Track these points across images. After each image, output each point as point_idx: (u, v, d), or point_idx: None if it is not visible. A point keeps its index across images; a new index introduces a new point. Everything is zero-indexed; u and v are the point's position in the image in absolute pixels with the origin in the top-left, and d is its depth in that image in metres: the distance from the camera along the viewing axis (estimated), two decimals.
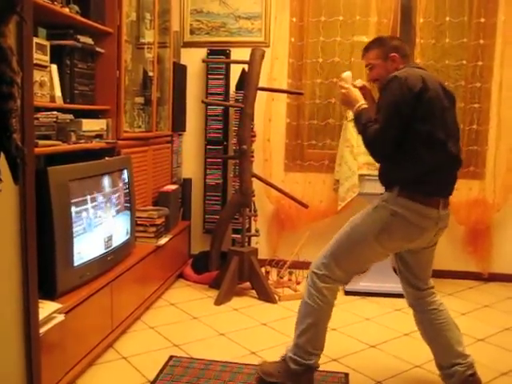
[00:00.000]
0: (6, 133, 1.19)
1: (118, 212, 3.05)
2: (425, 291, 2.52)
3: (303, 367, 2.42)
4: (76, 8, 2.84)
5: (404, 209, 2.26)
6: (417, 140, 2.25)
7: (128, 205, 3.20)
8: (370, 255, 2.40)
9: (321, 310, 2.40)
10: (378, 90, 2.50)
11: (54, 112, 2.63)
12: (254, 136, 4.07)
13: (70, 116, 2.80)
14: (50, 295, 2.35)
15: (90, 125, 2.96)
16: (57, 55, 2.75)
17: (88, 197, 2.69)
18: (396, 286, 3.83)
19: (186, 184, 4.50)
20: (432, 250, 2.52)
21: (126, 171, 3.17)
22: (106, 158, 3.06)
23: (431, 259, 2.55)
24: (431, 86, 2.26)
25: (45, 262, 2.27)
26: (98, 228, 2.79)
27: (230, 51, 4.38)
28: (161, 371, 2.63)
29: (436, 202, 2.30)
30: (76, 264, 2.53)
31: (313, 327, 2.41)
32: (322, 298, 2.38)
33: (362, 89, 2.52)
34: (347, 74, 2.54)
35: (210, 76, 4.40)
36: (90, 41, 3.02)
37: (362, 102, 2.40)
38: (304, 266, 3.45)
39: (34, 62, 2.44)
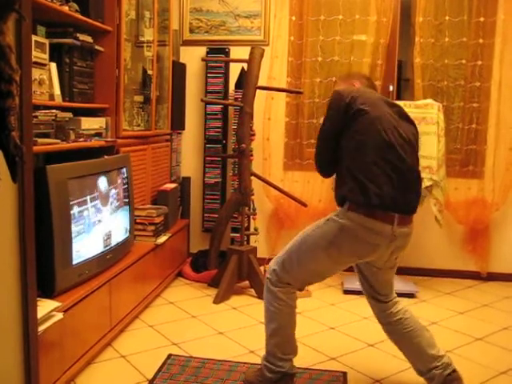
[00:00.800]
0: (5, 131, 1.19)
1: (116, 210, 3.05)
2: (387, 303, 2.51)
3: (278, 374, 2.40)
4: (75, 6, 2.83)
5: (354, 223, 2.19)
6: (350, 154, 2.25)
7: (127, 203, 3.20)
8: (320, 267, 2.34)
9: (281, 314, 2.37)
10: None
11: (53, 110, 2.63)
12: (253, 135, 4.06)
13: (69, 114, 2.80)
14: (49, 293, 2.35)
15: (89, 123, 2.96)
16: (56, 53, 2.76)
17: (87, 195, 2.69)
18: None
19: (185, 182, 4.50)
20: (391, 272, 2.47)
21: (125, 170, 3.17)
22: (105, 157, 3.06)
23: (390, 279, 2.51)
24: (367, 102, 2.25)
25: (43, 261, 2.28)
26: (96, 226, 2.79)
27: (229, 50, 4.38)
28: (159, 370, 2.63)
29: (390, 217, 2.19)
30: (75, 262, 2.53)
31: (278, 332, 2.39)
32: (279, 301, 2.36)
33: None
34: None
35: (209, 74, 4.40)
36: (89, 39, 3.02)
37: None
38: None
39: (33, 60, 2.44)
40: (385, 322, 2.54)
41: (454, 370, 2.43)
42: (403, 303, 2.56)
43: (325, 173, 2.46)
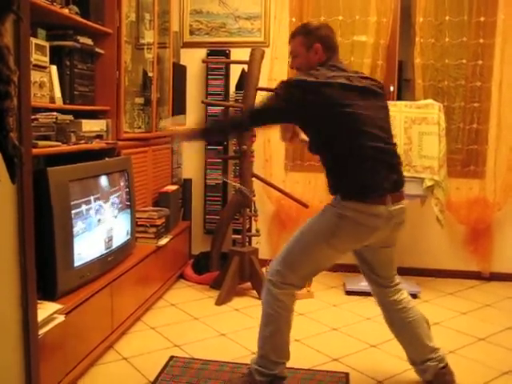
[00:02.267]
0: (3, 132, 1.19)
1: (118, 212, 3.05)
2: (390, 289, 2.52)
3: (269, 378, 2.39)
4: (75, 9, 2.84)
5: (350, 210, 2.23)
6: (340, 143, 2.26)
7: (128, 205, 3.20)
8: (323, 258, 2.37)
9: (280, 317, 2.37)
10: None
11: (54, 113, 2.63)
12: (254, 136, 4.06)
13: (70, 117, 2.80)
14: (51, 296, 2.35)
15: (89, 125, 2.96)
16: (56, 56, 2.76)
17: (88, 197, 2.69)
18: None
19: (186, 184, 4.50)
20: (392, 250, 2.48)
21: (126, 172, 3.17)
22: (106, 159, 3.06)
23: (392, 258, 2.51)
24: (335, 93, 2.21)
25: (45, 263, 2.28)
26: (98, 228, 2.79)
27: (229, 51, 4.38)
28: (161, 372, 2.63)
29: (381, 198, 2.24)
30: (76, 265, 2.53)
31: (275, 335, 2.39)
32: (280, 304, 2.35)
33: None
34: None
35: (209, 76, 4.40)
36: (89, 41, 3.02)
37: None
38: None
39: (34, 62, 2.45)
40: (388, 309, 2.56)
41: (447, 365, 2.48)
42: (406, 293, 2.56)
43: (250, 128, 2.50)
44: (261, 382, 2.40)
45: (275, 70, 4.29)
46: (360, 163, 2.23)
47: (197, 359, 2.79)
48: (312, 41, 2.39)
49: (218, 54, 4.37)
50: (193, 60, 4.45)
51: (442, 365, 2.47)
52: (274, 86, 4.16)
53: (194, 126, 2.51)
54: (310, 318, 3.42)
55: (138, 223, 3.44)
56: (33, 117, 2.35)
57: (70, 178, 2.52)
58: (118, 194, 3.05)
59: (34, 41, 2.45)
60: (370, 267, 2.52)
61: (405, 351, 2.58)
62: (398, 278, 2.56)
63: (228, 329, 3.23)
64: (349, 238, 2.31)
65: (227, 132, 2.69)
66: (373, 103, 2.32)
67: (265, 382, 2.39)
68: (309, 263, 2.36)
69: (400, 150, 3.59)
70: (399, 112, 3.67)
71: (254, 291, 3.85)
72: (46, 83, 2.58)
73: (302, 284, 2.43)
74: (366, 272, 2.56)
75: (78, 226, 2.57)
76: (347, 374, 2.67)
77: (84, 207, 2.64)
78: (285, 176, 4.42)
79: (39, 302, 2.10)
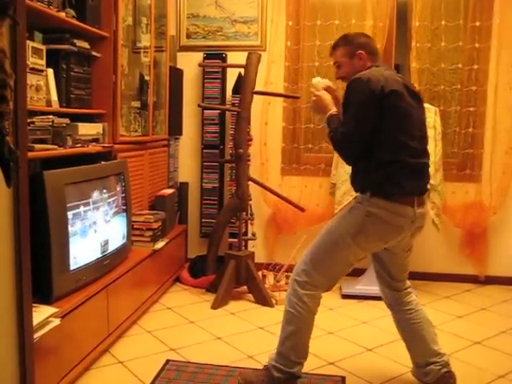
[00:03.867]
0: None
1: (114, 216, 3.04)
2: (401, 292, 2.56)
3: (286, 375, 2.41)
4: (72, 12, 2.84)
5: (378, 208, 2.27)
6: (380, 142, 2.26)
7: (124, 209, 3.19)
8: (349, 257, 2.38)
9: (302, 318, 2.38)
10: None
11: (50, 116, 2.63)
12: (251, 140, 4.07)
13: (66, 120, 2.80)
14: (46, 299, 2.34)
15: (86, 129, 2.96)
16: (53, 59, 2.75)
17: (84, 201, 2.68)
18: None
19: (182, 188, 4.50)
20: (408, 255, 2.53)
21: (122, 175, 3.17)
22: (103, 162, 3.06)
23: (407, 263, 2.57)
24: (394, 87, 2.26)
25: (41, 267, 2.27)
26: (94, 232, 2.78)
27: (226, 55, 4.39)
28: (157, 375, 2.62)
29: (410, 200, 2.30)
30: (72, 268, 2.53)
31: (295, 335, 2.40)
32: (303, 305, 2.37)
33: (327, 89, 2.51)
34: (317, 80, 2.52)
35: (206, 80, 4.40)
36: (86, 45, 3.02)
37: (333, 109, 2.41)
38: None
39: (31, 66, 2.45)
40: (396, 310, 2.58)
41: (451, 371, 2.48)
42: (415, 296, 2.59)
43: (351, 156, 2.38)
44: (279, 378, 2.42)
45: (272, 73, 4.30)
46: (400, 164, 2.27)
47: (193, 363, 2.78)
48: (354, 48, 2.45)
49: (215, 58, 4.37)
50: (189, 64, 4.46)
51: (445, 370, 2.47)
52: (270, 89, 4.20)
53: (334, 110, 2.40)
54: None
55: (134, 227, 3.44)
56: (29, 120, 2.35)
57: (66, 182, 2.51)
58: (114, 197, 3.05)
59: (30, 44, 2.45)
60: (386, 270, 2.55)
61: (409, 353, 2.60)
62: (408, 282, 2.60)
63: (224, 332, 3.23)
64: (375, 236, 2.33)
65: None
66: (417, 107, 2.38)
67: (282, 378, 2.42)
68: (335, 262, 2.37)
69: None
70: None
71: (250, 295, 3.85)
72: (43, 86, 2.58)
73: (328, 286, 2.43)
74: (381, 274, 2.58)
75: (74, 230, 2.57)
76: (343, 378, 2.67)
77: (80, 210, 2.63)
78: (281, 180, 4.43)
79: (35, 305, 2.10)
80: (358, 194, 2.41)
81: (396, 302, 2.57)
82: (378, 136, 2.26)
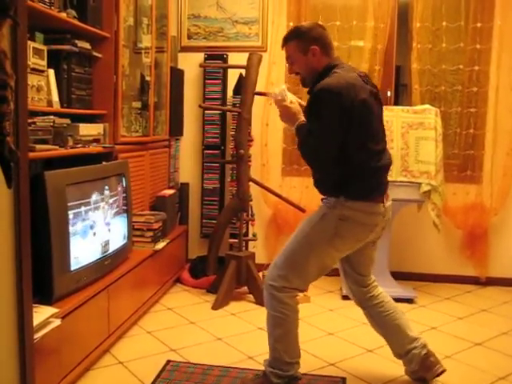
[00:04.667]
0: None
1: (115, 216, 3.04)
2: (368, 287, 2.60)
3: (286, 379, 2.42)
4: (73, 13, 2.84)
5: (353, 211, 2.30)
6: (355, 144, 2.28)
7: (125, 209, 3.20)
8: (326, 260, 2.41)
9: (288, 319, 2.39)
10: (300, 81, 2.51)
11: (51, 116, 2.63)
12: (252, 140, 4.07)
13: (67, 120, 2.80)
14: (47, 300, 2.34)
15: (87, 129, 2.96)
16: (54, 60, 2.76)
17: (85, 201, 2.68)
18: (394, 290, 3.84)
19: (183, 188, 4.50)
20: (374, 248, 2.57)
21: (123, 176, 3.17)
22: (103, 163, 3.06)
23: (373, 256, 2.61)
24: (362, 96, 2.25)
25: (41, 267, 2.27)
26: (94, 232, 2.78)
27: (227, 56, 4.39)
28: (158, 376, 2.62)
29: (380, 197, 2.37)
30: (73, 268, 2.53)
31: (285, 337, 2.41)
32: (286, 306, 2.38)
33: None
34: (282, 89, 2.43)
35: (207, 81, 4.40)
36: (87, 45, 3.02)
37: (302, 118, 2.37)
38: None
39: (32, 66, 2.45)
40: (367, 306, 2.62)
41: (429, 350, 2.55)
42: (381, 288, 2.65)
43: (323, 165, 2.36)
44: (278, 383, 2.42)
45: (273, 74, 4.30)
46: (371, 165, 2.32)
47: (193, 363, 2.78)
48: (307, 43, 2.36)
49: (216, 59, 4.38)
50: (190, 64, 4.46)
51: (425, 351, 2.54)
52: (271, 90, 4.20)
53: (302, 118, 2.35)
54: (307, 323, 3.42)
55: (135, 227, 3.44)
56: (30, 120, 2.35)
57: (67, 182, 2.51)
58: (114, 197, 3.05)
59: (31, 44, 2.46)
60: (352, 266, 2.58)
61: (389, 345, 2.65)
62: (373, 277, 2.64)
63: (224, 333, 3.22)
64: (351, 238, 2.37)
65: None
66: (377, 106, 2.40)
67: (282, 383, 2.42)
68: (313, 266, 2.38)
69: (397, 155, 3.63)
70: (396, 117, 3.68)
71: (251, 296, 3.85)
72: (44, 87, 2.59)
73: (305, 287, 2.47)
74: (348, 272, 2.61)
75: (75, 230, 2.57)
76: (344, 379, 2.67)
77: (81, 211, 2.64)
78: (282, 180, 4.43)
79: (35, 305, 2.10)
80: (324, 199, 2.42)
81: (364, 297, 2.61)
82: (348, 143, 2.27)
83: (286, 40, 2.43)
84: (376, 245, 2.57)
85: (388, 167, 2.45)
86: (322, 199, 2.46)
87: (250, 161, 3.95)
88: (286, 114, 2.41)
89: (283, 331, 2.40)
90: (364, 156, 2.30)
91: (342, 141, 2.25)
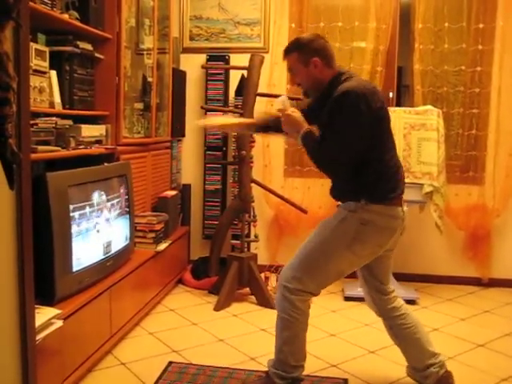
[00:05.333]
0: (1, 138, 1.19)
1: (117, 218, 3.05)
2: (389, 295, 2.54)
3: (289, 380, 2.41)
4: (75, 14, 2.85)
5: (374, 214, 2.28)
6: (376, 149, 2.28)
7: (127, 210, 3.20)
8: (344, 265, 2.37)
9: (297, 322, 2.37)
10: (302, 92, 2.51)
11: (54, 118, 2.64)
12: (254, 142, 4.07)
13: (70, 122, 2.80)
14: (49, 301, 2.34)
15: (89, 130, 2.97)
16: (56, 61, 2.76)
17: (87, 203, 2.69)
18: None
19: (185, 189, 4.50)
20: (392, 254, 2.53)
21: (125, 177, 3.17)
22: (105, 164, 3.06)
23: (391, 263, 2.57)
24: (381, 99, 2.30)
25: (43, 268, 2.27)
26: (97, 234, 2.79)
27: (229, 57, 4.39)
28: (160, 377, 2.62)
29: (399, 200, 2.36)
30: (75, 270, 2.53)
31: (292, 340, 2.39)
32: (297, 310, 2.35)
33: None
34: (283, 99, 2.42)
35: (209, 82, 4.41)
36: (89, 47, 3.03)
37: (306, 125, 2.35)
38: None
39: (34, 68, 2.45)
40: (387, 317, 2.57)
41: (448, 370, 2.50)
42: (402, 299, 2.60)
43: (339, 172, 2.37)
44: None
45: (275, 75, 4.30)
46: (389, 167, 2.33)
47: (195, 364, 2.78)
48: (308, 55, 2.35)
49: (218, 60, 4.38)
50: (192, 65, 4.46)
51: (443, 370, 2.48)
52: (273, 91, 4.20)
53: (307, 126, 2.34)
54: (309, 324, 3.41)
55: (137, 228, 3.44)
56: (32, 122, 2.35)
57: (69, 183, 2.52)
58: (117, 199, 3.05)
59: (34, 46, 2.46)
60: (373, 273, 2.52)
61: (406, 359, 2.58)
62: (392, 287, 2.59)
63: (226, 334, 3.22)
64: (371, 243, 2.32)
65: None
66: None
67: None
68: (330, 270, 2.36)
69: (399, 156, 3.62)
70: (398, 118, 3.68)
71: (253, 297, 3.85)
72: (46, 88, 2.59)
73: (319, 291, 2.41)
74: (368, 279, 2.55)
75: (77, 231, 2.57)
76: (346, 380, 2.67)
77: (83, 212, 2.64)
78: (284, 182, 4.43)
79: (37, 306, 2.10)
80: (341, 203, 2.41)
81: (386, 308, 2.54)
82: (373, 146, 2.26)
83: (287, 52, 2.42)
84: (393, 252, 2.52)
85: (402, 168, 2.44)
86: (337, 205, 2.44)
87: (251, 162, 3.95)
88: (289, 122, 2.39)
89: (291, 334, 2.38)
90: (385, 158, 2.30)
91: (368, 143, 2.23)
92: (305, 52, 2.35)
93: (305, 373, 2.58)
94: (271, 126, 2.65)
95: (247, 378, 2.59)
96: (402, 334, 2.53)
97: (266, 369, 2.52)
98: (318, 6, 4.28)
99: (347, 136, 2.22)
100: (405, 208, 2.40)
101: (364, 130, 2.21)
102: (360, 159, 2.26)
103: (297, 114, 2.38)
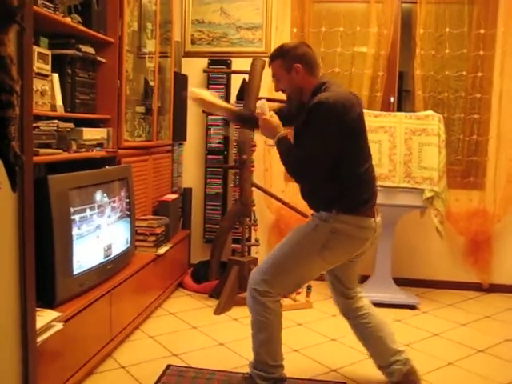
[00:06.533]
0: (5, 141, 1.20)
1: (117, 221, 3.05)
2: (353, 299, 2.61)
3: (271, 381, 2.44)
4: (78, 18, 2.85)
5: (345, 224, 2.32)
6: (348, 160, 2.30)
7: (128, 214, 3.20)
8: (314, 269, 2.45)
9: (272, 323, 2.41)
10: (286, 99, 2.54)
11: (55, 121, 2.64)
12: (255, 146, 4.07)
13: (71, 125, 2.81)
14: (50, 304, 2.34)
15: (90, 134, 2.97)
16: (58, 64, 2.77)
17: (88, 206, 2.69)
18: (395, 296, 3.84)
19: (186, 193, 4.51)
20: (360, 260, 2.57)
21: (126, 180, 3.18)
22: (107, 167, 3.06)
23: (358, 270, 2.62)
24: (358, 110, 2.30)
25: (44, 271, 2.28)
26: (97, 237, 2.79)
27: (230, 61, 4.40)
28: (158, 380, 2.62)
29: (372, 211, 2.38)
30: (75, 272, 2.53)
31: (268, 341, 2.43)
32: (269, 310, 2.39)
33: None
34: (262, 103, 2.45)
35: (210, 86, 4.42)
36: (91, 50, 3.03)
37: (282, 131, 2.38)
38: None
39: (36, 71, 2.46)
40: (351, 317, 2.64)
41: (412, 367, 2.55)
42: (367, 300, 2.66)
43: (311, 179, 2.38)
44: None
45: None
46: (362, 179, 2.36)
47: (195, 368, 2.78)
48: (291, 62, 2.37)
49: (220, 64, 4.40)
50: (194, 69, 4.47)
51: (407, 367, 2.53)
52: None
53: (283, 132, 2.38)
54: (309, 329, 3.42)
55: (138, 232, 3.44)
56: (34, 125, 2.35)
57: (71, 186, 2.52)
58: (117, 202, 3.05)
59: (36, 49, 2.47)
60: (340, 280, 2.60)
61: (371, 356, 2.65)
62: (358, 288, 2.65)
63: (226, 338, 3.22)
64: (341, 251, 2.39)
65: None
66: (363, 119, 2.41)
67: None
68: (299, 274, 2.42)
69: (400, 161, 3.63)
70: (399, 123, 3.68)
71: None
72: (48, 91, 2.60)
73: (287, 293, 2.51)
74: (335, 285, 2.63)
75: (78, 234, 2.57)
76: None
77: (84, 215, 2.64)
78: (285, 186, 4.43)
79: (38, 309, 2.10)
80: (315, 213, 2.44)
81: (349, 308, 2.62)
82: (343, 157, 2.28)
83: (272, 58, 2.45)
84: (361, 259, 2.58)
85: (375, 179, 2.47)
86: (311, 214, 2.48)
87: (252, 166, 3.95)
88: (266, 127, 2.42)
89: (267, 335, 2.42)
90: (358, 170, 2.33)
91: (336, 154, 2.26)
92: (288, 58, 2.38)
93: (305, 377, 2.58)
94: (246, 120, 2.80)
95: (232, 380, 2.61)
96: (365, 332, 2.60)
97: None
98: (320, 11, 4.30)
99: (314, 147, 2.25)
100: (378, 218, 2.41)
101: (331, 142, 2.24)
102: (331, 170, 2.28)
103: (274, 118, 2.40)
